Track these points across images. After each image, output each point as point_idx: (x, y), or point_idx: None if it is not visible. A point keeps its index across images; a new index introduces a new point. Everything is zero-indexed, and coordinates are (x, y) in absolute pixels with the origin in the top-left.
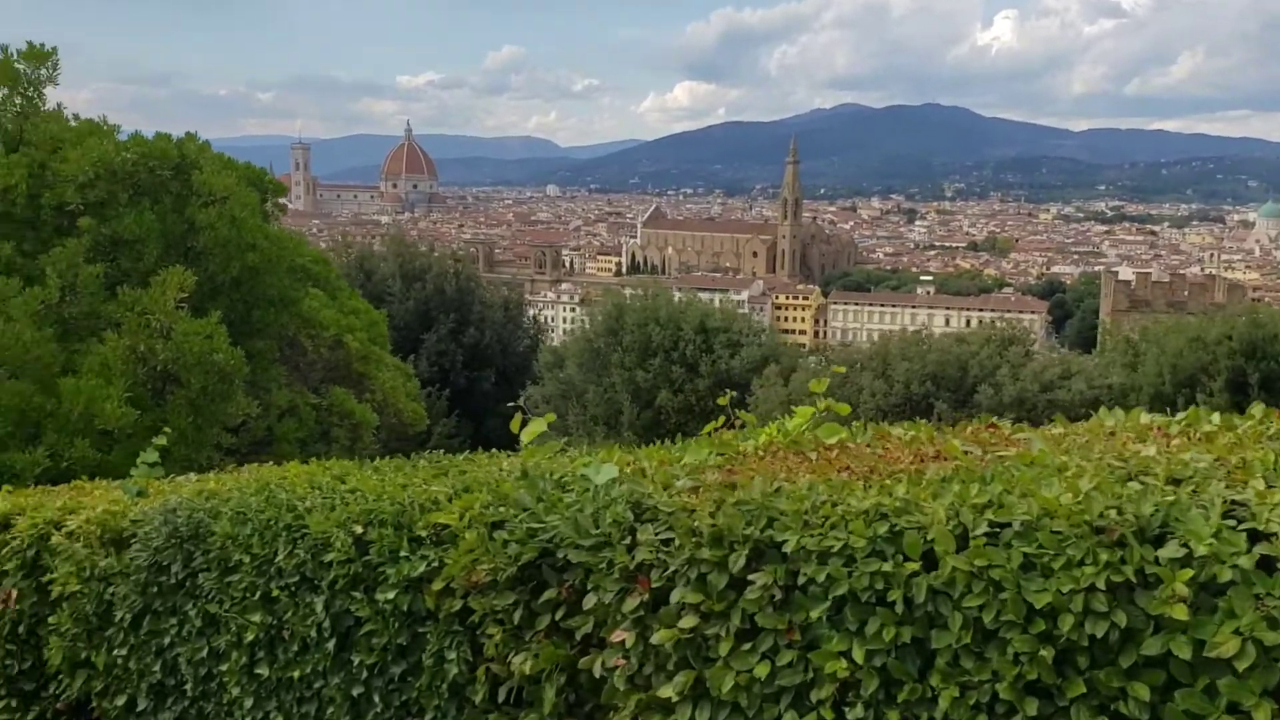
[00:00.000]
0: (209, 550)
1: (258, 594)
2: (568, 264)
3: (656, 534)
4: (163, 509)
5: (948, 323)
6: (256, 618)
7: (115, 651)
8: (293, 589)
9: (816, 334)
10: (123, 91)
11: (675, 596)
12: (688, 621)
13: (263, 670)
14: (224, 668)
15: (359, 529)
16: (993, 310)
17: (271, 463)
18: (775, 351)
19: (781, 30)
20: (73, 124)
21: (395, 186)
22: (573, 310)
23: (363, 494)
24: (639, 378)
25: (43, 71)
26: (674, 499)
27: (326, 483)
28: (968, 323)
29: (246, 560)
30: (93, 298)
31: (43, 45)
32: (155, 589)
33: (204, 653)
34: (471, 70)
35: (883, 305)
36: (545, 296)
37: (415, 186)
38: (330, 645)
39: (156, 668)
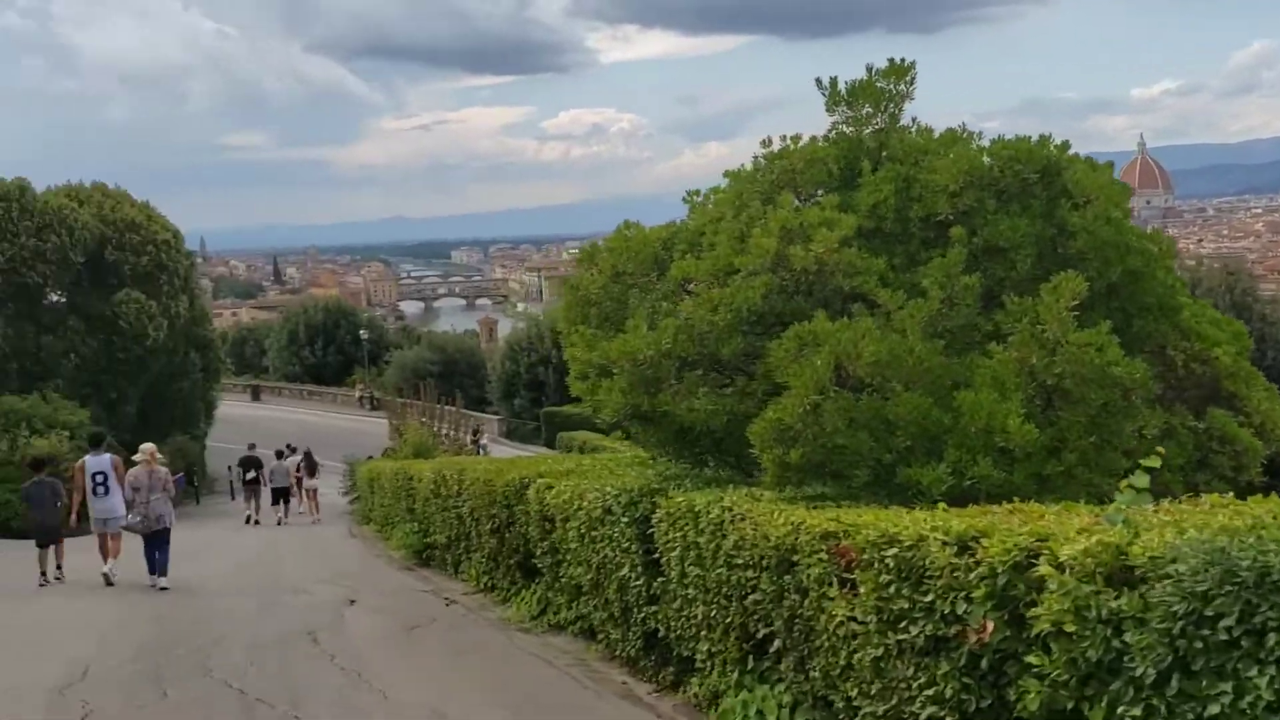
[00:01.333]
0: None
1: None
2: None
3: None
4: (1206, 547)
5: None
6: None
7: (1123, 709)
8: None
9: None
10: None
11: None
12: None
13: None
14: None
15: None
16: None
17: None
18: None
19: None
20: (933, 135)
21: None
22: None
23: None
24: None
25: (900, 87)
26: None
27: None
28: None
29: None
30: (969, 309)
31: (902, 60)
32: (1198, 643)
33: None
34: (1212, 74)
35: None
36: None
37: (1149, 202)
38: None
39: None
